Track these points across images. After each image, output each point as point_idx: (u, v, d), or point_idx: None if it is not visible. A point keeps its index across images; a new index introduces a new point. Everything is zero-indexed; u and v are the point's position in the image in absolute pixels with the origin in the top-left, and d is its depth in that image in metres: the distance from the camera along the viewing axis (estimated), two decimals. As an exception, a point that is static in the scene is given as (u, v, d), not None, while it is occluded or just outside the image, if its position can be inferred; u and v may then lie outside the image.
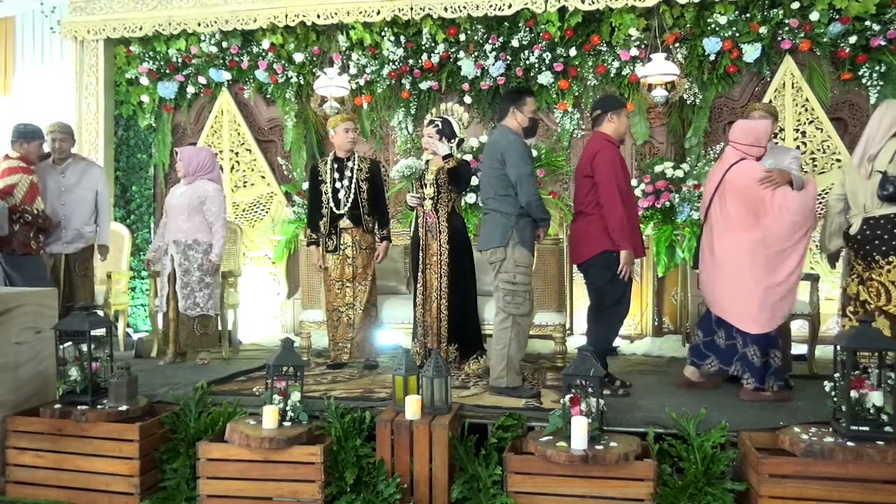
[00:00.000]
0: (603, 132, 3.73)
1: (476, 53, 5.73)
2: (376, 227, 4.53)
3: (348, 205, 4.42)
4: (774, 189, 3.45)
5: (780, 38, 5.30)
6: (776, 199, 3.44)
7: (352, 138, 4.46)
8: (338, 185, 4.44)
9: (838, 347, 2.86)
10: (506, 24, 5.70)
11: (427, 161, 4.40)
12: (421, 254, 4.33)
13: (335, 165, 4.48)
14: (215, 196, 4.55)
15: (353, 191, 4.43)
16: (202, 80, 6.35)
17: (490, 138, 3.77)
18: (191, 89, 6.39)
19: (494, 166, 3.63)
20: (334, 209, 4.44)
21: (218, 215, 4.55)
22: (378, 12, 5.45)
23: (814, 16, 5.14)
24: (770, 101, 5.33)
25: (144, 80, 6.39)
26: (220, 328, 4.89)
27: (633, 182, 5.67)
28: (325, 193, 4.46)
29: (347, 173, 4.44)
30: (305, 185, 6.02)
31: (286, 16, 5.60)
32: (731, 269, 3.52)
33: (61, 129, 4.83)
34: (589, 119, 3.91)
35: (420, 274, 4.33)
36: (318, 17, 5.55)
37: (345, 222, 4.44)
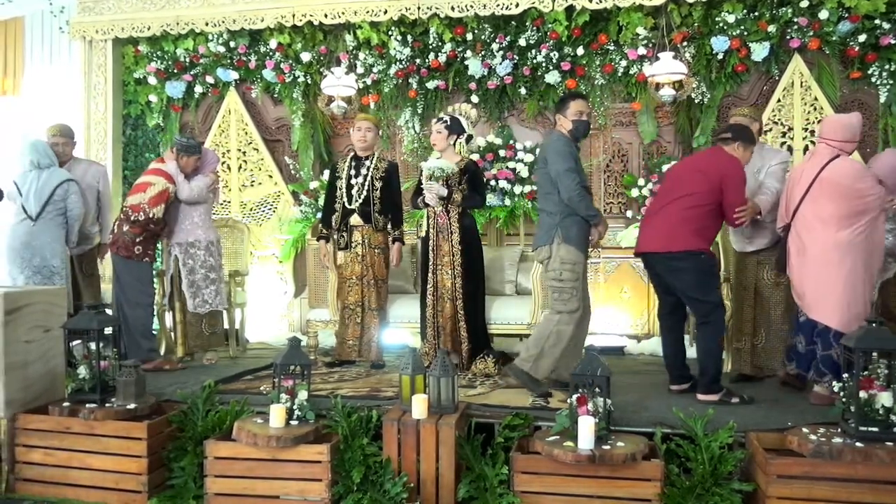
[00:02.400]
0: (726, 150, 3.65)
1: (483, 53, 5.73)
2: (389, 227, 4.52)
3: (359, 201, 4.44)
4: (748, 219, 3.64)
5: (788, 37, 5.27)
6: (874, 201, 3.43)
7: (362, 137, 4.47)
8: (353, 181, 4.48)
9: (847, 348, 2.85)
10: (513, 23, 5.69)
11: (438, 158, 4.41)
12: (431, 254, 4.33)
13: (353, 163, 4.53)
14: (198, 180, 4.60)
15: (366, 188, 4.45)
16: (210, 79, 6.36)
17: (543, 140, 3.82)
18: (198, 89, 6.41)
19: (540, 166, 3.71)
20: (346, 204, 4.47)
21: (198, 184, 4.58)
22: (385, 12, 5.44)
23: (823, 14, 5.10)
24: (778, 101, 5.32)
25: (152, 80, 6.41)
26: (227, 327, 4.90)
27: (640, 182, 5.66)
28: (340, 189, 4.50)
29: (363, 171, 4.48)
30: (312, 185, 6.05)
31: (293, 15, 5.61)
32: (822, 265, 3.44)
33: (61, 132, 4.85)
34: (711, 137, 3.84)
35: (431, 275, 4.33)
36: (326, 16, 5.55)
37: (355, 219, 4.46)
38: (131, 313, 4.45)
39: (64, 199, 4.45)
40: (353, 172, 4.50)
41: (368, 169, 4.47)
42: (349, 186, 4.48)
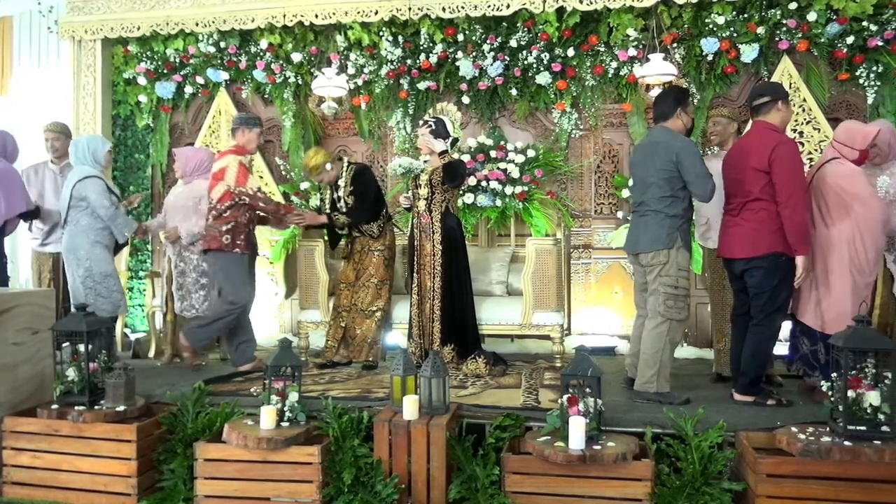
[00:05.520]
0: (769, 123, 3.44)
1: (474, 54, 5.73)
2: (374, 227, 4.59)
3: (344, 217, 4.60)
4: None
5: (777, 39, 5.30)
6: (866, 203, 3.43)
7: (318, 178, 4.67)
8: (339, 205, 4.65)
9: (835, 347, 2.87)
10: (504, 24, 5.70)
11: (425, 162, 4.42)
12: (415, 254, 4.34)
13: (333, 188, 4.73)
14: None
15: (345, 205, 4.61)
16: (200, 80, 6.33)
17: (653, 138, 3.62)
18: (188, 89, 6.38)
19: (667, 167, 3.47)
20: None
21: None
22: (376, 12, 5.44)
23: (811, 16, 5.14)
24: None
25: (142, 80, 6.38)
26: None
27: (630, 182, 5.67)
28: (334, 212, 4.65)
29: (339, 192, 4.66)
30: (303, 186, 6.04)
31: (284, 16, 5.60)
32: (818, 264, 3.45)
33: (55, 128, 4.85)
34: (747, 107, 3.56)
35: (415, 275, 4.34)
36: (316, 17, 5.54)
37: (355, 231, 4.63)
38: (219, 308, 4.27)
39: (84, 199, 4.18)
40: (335, 195, 4.69)
41: (340, 188, 4.64)
42: (336, 206, 4.66)
